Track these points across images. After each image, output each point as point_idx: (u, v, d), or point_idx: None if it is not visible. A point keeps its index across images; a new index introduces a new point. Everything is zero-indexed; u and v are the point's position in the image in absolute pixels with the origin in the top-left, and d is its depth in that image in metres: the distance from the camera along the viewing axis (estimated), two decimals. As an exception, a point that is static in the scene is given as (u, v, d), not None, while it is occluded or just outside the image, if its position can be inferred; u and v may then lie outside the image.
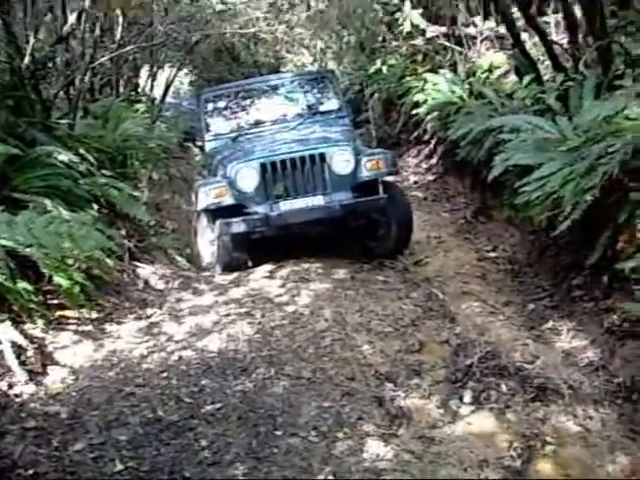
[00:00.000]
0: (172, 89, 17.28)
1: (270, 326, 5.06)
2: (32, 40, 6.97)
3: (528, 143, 5.35)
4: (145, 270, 6.18)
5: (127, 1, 9.03)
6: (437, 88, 9.56)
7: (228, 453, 3.50)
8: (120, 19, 10.38)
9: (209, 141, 7.96)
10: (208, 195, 6.60)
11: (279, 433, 3.70)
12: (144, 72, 15.10)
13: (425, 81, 9.98)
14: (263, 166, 6.61)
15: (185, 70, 21.58)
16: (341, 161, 6.66)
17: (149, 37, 12.08)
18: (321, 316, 5.27)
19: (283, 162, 6.59)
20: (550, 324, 5.38)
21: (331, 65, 14.52)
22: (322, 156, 6.65)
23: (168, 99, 15.92)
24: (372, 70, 12.46)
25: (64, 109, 8.17)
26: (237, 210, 6.57)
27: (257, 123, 8.01)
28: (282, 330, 5.01)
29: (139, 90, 14.29)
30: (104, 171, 6.70)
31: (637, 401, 4.15)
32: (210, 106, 8.20)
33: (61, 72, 8.39)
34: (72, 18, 7.70)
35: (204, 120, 8.08)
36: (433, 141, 10.48)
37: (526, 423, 4.01)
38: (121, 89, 12.45)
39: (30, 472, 3.25)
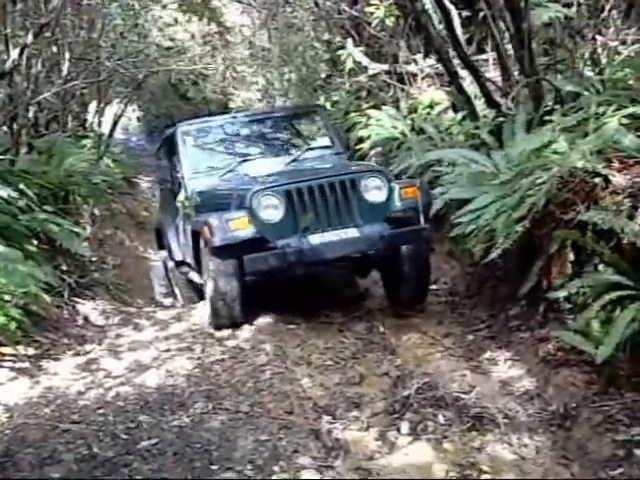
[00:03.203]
0: (121, 125, 17.27)
1: (210, 361, 5.09)
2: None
3: (463, 177, 5.50)
4: (85, 306, 6.16)
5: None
6: (380, 124, 9.71)
7: (163, 489, 3.49)
8: (67, 54, 10.41)
9: (193, 179, 7.07)
10: (226, 228, 5.72)
11: (215, 467, 3.71)
12: (92, 108, 15.07)
13: (369, 117, 10.13)
14: (288, 193, 5.87)
15: (134, 106, 21.60)
16: (374, 188, 6.02)
17: (96, 72, 12.09)
18: (262, 350, 5.31)
19: (310, 189, 5.88)
20: (488, 354, 5.46)
21: (278, 101, 14.68)
22: (353, 182, 5.97)
23: (117, 135, 15.90)
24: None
25: (6, 145, 8.11)
26: (256, 247, 5.77)
27: (247, 159, 7.27)
28: (222, 365, 5.04)
29: (87, 125, 14.21)
30: (45, 207, 6.67)
31: (570, 428, 4.23)
32: (190, 141, 7.43)
33: (3, 108, 8.33)
34: (14, 53, 7.69)
35: (185, 155, 7.26)
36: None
37: (462, 452, 4.06)
38: (68, 124, 12.42)
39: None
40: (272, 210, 5.84)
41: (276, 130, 7.95)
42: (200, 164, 7.23)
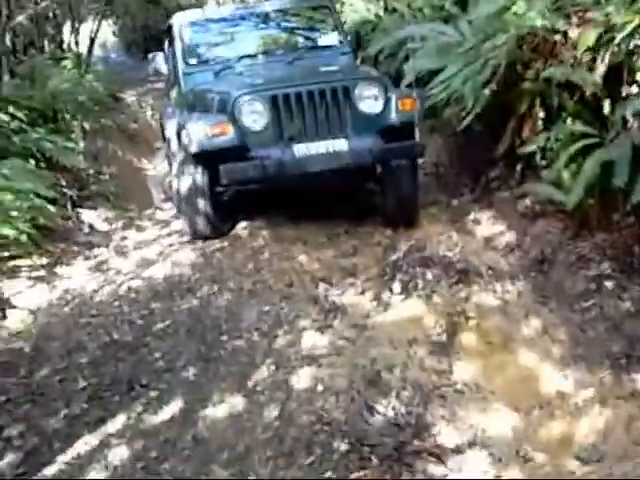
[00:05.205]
0: (98, 42, 17.16)
1: (211, 250, 5.44)
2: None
3: (432, 49, 5.67)
4: (89, 215, 6.47)
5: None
6: (354, 9, 9.76)
7: (180, 360, 3.89)
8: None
9: (187, 74, 6.56)
10: (204, 133, 5.32)
11: (224, 338, 4.10)
12: (67, 28, 15.00)
13: (342, 3, 10.15)
14: (274, 99, 5.41)
15: (109, 21, 21.37)
16: (369, 98, 5.55)
17: (65, -9, 12.05)
18: (259, 236, 5.63)
19: (299, 95, 5.40)
20: (472, 216, 5.79)
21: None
22: (346, 90, 5.49)
23: (96, 52, 15.84)
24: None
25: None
26: (236, 155, 5.35)
27: (247, 55, 6.72)
28: (223, 252, 5.39)
29: (64, 47, 14.19)
30: (37, 128, 6.89)
31: (547, 271, 4.59)
32: (187, 33, 6.79)
33: (-20, 36, 8.43)
34: (-17, -20, 7.76)
35: (179, 49, 6.68)
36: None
37: (450, 304, 4.39)
38: (46, 48, 12.45)
39: (3, 399, 3.60)
40: (255, 116, 5.41)
41: (280, 25, 7.31)
42: (195, 59, 6.72)
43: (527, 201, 5.33)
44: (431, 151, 7.58)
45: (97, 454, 3.11)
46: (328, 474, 2.87)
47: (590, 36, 4.28)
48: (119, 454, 3.10)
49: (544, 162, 5.24)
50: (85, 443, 3.20)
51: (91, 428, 3.30)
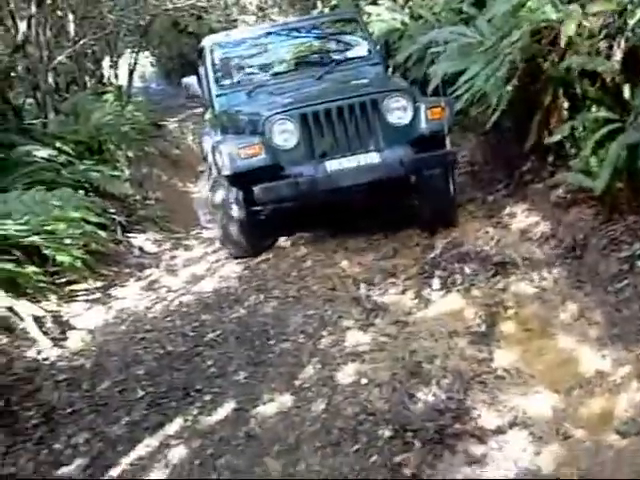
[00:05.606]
0: (138, 74, 17.70)
1: (256, 262, 5.67)
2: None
3: (455, 51, 5.82)
4: (138, 239, 6.75)
5: None
6: (380, 18, 9.91)
7: (231, 365, 4.10)
8: (70, 16, 10.82)
9: (219, 96, 6.66)
10: (237, 155, 5.39)
11: (272, 342, 4.31)
12: (106, 63, 15.50)
13: (369, 14, 10.32)
14: (304, 117, 5.47)
15: (146, 53, 21.93)
16: (397, 109, 5.55)
17: (102, 28, 12.48)
18: (301, 245, 5.85)
19: (328, 112, 5.45)
20: (507, 210, 5.89)
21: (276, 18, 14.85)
22: (374, 103, 5.52)
23: (136, 84, 16.34)
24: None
25: (34, 112, 8.66)
26: (269, 174, 5.43)
27: (277, 73, 6.79)
28: (267, 263, 5.64)
29: (104, 81, 14.67)
30: (83, 160, 7.23)
31: (581, 256, 4.69)
32: (217, 55, 6.90)
33: (24, 78, 8.84)
34: (23, 26, 8.13)
35: (211, 71, 6.75)
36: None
37: (489, 295, 4.55)
38: (87, 83, 12.91)
39: (69, 411, 3.84)
40: (286, 135, 5.48)
41: (309, 41, 7.34)
42: (227, 80, 6.83)
43: (560, 191, 5.40)
44: (466, 150, 7.77)
45: (158, 455, 3.33)
46: (373, 459, 3.04)
47: (570, 26, 4.39)
48: (178, 453, 3.31)
49: (574, 151, 5.34)
50: (146, 446, 3.42)
51: (151, 432, 3.52)
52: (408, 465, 2.98)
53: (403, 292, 4.88)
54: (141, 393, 3.94)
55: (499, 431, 3.19)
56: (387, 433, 3.19)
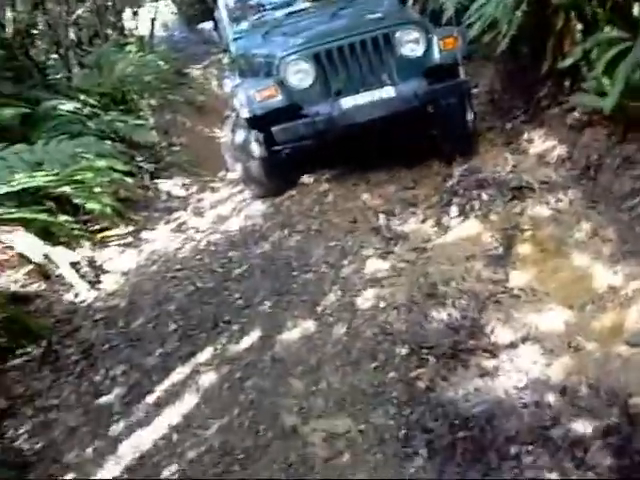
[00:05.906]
0: (159, 23, 17.61)
1: (280, 199, 5.82)
2: (9, 13, 7.55)
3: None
4: (166, 184, 6.92)
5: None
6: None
7: (257, 297, 4.31)
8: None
9: (235, 39, 6.69)
10: (254, 98, 5.44)
11: (295, 273, 4.50)
12: (127, 15, 15.50)
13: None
14: (317, 56, 5.49)
15: (168, 1, 21.82)
16: (410, 42, 5.54)
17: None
18: (323, 182, 5.97)
19: (340, 49, 5.47)
20: (525, 136, 5.92)
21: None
22: (386, 37, 5.50)
23: (158, 33, 16.30)
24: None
25: (58, 67, 8.82)
26: (287, 114, 5.50)
27: (291, 12, 6.66)
28: (291, 200, 5.78)
29: (126, 33, 14.70)
30: (109, 112, 7.39)
31: (595, 177, 4.75)
32: None
33: (45, 34, 8.97)
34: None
35: (226, 15, 6.83)
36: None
37: (506, 220, 4.63)
38: (109, 36, 12.98)
39: (106, 347, 4.10)
40: (301, 75, 5.51)
41: None
42: (243, 23, 6.80)
43: (575, 114, 5.42)
44: (486, 80, 7.77)
45: (189, 381, 3.56)
46: (391, 375, 3.22)
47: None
48: (208, 378, 3.54)
49: (590, 74, 5.35)
50: (179, 373, 3.66)
51: (183, 361, 3.76)
52: (423, 379, 3.16)
53: (423, 221, 4.99)
54: (173, 327, 4.17)
55: (511, 346, 3.33)
56: (404, 351, 3.37)
